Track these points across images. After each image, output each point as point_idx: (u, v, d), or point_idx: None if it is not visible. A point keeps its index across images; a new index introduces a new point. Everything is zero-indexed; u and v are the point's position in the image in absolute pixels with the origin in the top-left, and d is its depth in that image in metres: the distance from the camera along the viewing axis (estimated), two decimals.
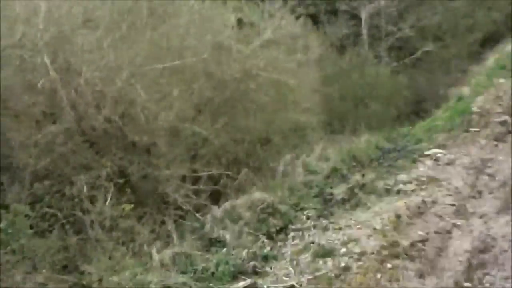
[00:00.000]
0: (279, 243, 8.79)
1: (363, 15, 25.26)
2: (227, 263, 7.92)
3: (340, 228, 8.98)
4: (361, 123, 16.23)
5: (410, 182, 10.81)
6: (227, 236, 8.93)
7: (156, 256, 8.27)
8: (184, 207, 10.10)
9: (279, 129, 13.37)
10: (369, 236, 8.51)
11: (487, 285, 7.25)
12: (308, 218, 9.57)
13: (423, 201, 9.73)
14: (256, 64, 13.04)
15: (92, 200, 9.42)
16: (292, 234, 9.04)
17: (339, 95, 20.57)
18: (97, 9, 11.34)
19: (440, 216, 9.26)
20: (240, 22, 15.09)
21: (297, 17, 24.19)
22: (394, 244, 8.18)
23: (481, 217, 9.22)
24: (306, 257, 8.11)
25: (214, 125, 11.48)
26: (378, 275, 7.34)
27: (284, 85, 13.59)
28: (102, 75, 10.24)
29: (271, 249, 8.57)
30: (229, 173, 11.35)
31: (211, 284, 7.61)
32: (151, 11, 11.96)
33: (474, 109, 15.34)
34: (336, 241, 8.49)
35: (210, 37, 12.51)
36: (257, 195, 10.12)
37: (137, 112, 10.26)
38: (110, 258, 8.33)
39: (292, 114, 13.83)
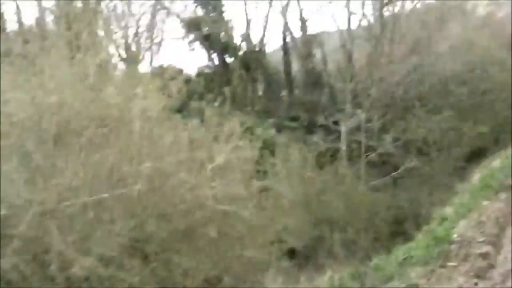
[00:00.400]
0: None
1: (343, 130, 24.19)
2: None
3: None
4: (331, 253, 14.69)
5: None
6: None
7: None
8: None
9: (231, 268, 11.76)
10: None
11: None
12: None
13: None
14: (207, 194, 11.57)
15: None
16: None
17: (312, 219, 19.09)
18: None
19: None
20: (193, 141, 13.75)
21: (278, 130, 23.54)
22: None
23: None
24: None
25: (147, 268, 9.90)
26: None
27: (239, 216, 12.11)
28: (9, 213, 8.81)
29: None
30: None
31: None
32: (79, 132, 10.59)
33: (454, 236, 13.81)
34: None
35: (150, 163, 11.08)
36: None
37: (52, 257, 8.75)
38: None
39: (248, 249, 12.26)
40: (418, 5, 32.77)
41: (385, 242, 17.53)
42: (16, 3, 21.87)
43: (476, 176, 21.89)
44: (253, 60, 29.99)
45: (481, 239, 13.60)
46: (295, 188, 19.10)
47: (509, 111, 28.99)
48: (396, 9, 31.79)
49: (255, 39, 31.19)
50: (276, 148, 22.28)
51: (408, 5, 32.37)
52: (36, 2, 20.97)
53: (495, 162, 22.37)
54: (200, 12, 29.78)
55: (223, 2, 30.05)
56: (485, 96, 28.77)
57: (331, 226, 19.26)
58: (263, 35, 31.10)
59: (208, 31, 29.04)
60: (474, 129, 26.75)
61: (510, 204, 15.51)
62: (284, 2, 30.92)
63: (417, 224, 18.72)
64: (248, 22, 30.69)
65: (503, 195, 16.28)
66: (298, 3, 31.05)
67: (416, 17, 32.40)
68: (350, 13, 29.80)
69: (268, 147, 22.75)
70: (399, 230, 19.91)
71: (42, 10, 19.41)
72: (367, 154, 24.17)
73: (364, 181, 22.84)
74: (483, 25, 42.81)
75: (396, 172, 23.66)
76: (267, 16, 30.99)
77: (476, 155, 25.93)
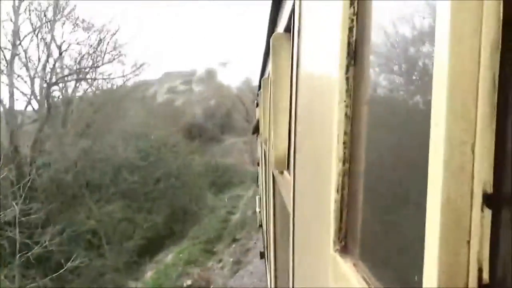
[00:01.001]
0: None
1: None
2: None
3: None
4: None
5: None
6: None
7: None
8: None
9: None
10: None
11: None
12: None
13: None
14: None
15: None
16: None
17: None
18: None
19: None
20: None
21: None
22: None
23: None
24: None
25: None
26: None
27: None
28: None
29: None
30: None
31: None
32: None
33: None
34: None
35: None
36: None
37: None
38: None
39: None
40: (93, 88, 30.49)
41: None
42: None
43: (149, 273, 19.80)
44: None
45: None
46: None
47: (185, 199, 27.94)
48: (69, 91, 29.30)
49: None
50: None
51: (83, 87, 30.08)
52: None
53: (170, 256, 20.54)
54: None
55: None
56: (159, 184, 27.30)
57: None
58: None
59: None
60: (148, 219, 24.94)
61: None
62: None
63: None
64: None
65: None
66: None
67: (90, 100, 30.21)
68: (13, 91, 26.41)
69: None
70: None
71: None
72: (24, 252, 20.43)
73: (19, 284, 19.09)
74: (161, 112, 42.47)
75: (61, 271, 20.30)
76: None
77: (150, 248, 23.86)
